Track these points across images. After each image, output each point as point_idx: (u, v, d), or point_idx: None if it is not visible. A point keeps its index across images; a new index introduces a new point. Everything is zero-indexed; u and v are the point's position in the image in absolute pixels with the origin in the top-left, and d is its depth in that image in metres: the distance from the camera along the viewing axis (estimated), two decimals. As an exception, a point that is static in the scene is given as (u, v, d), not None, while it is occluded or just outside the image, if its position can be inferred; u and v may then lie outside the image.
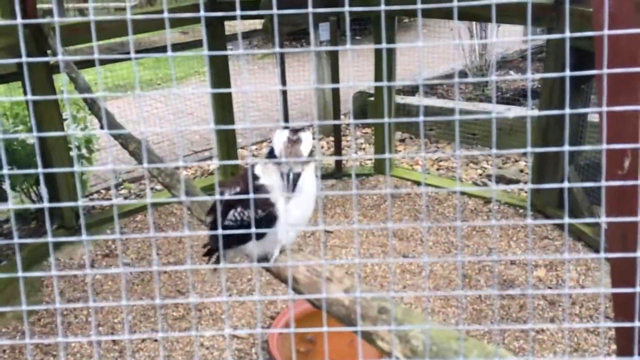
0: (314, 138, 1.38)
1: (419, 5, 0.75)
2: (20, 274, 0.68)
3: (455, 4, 0.74)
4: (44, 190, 2.72)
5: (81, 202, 0.71)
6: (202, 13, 0.82)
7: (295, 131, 1.38)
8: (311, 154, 1.37)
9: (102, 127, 2.59)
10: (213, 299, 1.92)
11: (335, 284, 0.97)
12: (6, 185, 3.17)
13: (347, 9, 0.93)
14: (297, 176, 1.31)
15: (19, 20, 0.81)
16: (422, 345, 0.75)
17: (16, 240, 0.71)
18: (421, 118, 1.01)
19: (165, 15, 0.78)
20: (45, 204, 0.72)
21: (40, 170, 0.74)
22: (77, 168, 0.69)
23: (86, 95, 2.56)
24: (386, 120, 0.86)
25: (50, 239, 0.73)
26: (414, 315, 0.84)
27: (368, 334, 0.86)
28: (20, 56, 3.19)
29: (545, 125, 3.46)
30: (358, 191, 0.95)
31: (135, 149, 2.20)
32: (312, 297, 1.01)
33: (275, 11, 0.94)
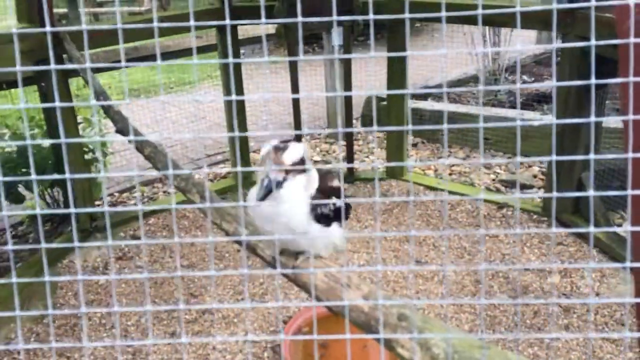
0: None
1: (444, 13, 0.75)
2: (47, 278, 0.69)
3: (480, 11, 0.74)
4: (70, 194, 2.76)
5: (107, 208, 0.71)
6: (227, 21, 0.83)
7: (284, 142, 1.35)
8: (302, 164, 1.32)
9: (117, 132, 2.61)
10: (235, 305, 1.93)
11: (354, 290, 0.97)
12: (34, 191, 3.21)
13: (371, 17, 0.93)
14: (273, 183, 1.26)
15: (48, 28, 0.83)
16: (443, 354, 0.75)
17: (43, 245, 0.71)
18: (445, 126, 1.00)
19: (192, 23, 0.78)
20: (72, 210, 0.73)
21: (68, 175, 0.76)
22: (103, 174, 0.70)
23: (116, 102, 2.58)
24: (410, 127, 0.86)
25: (76, 243, 0.74)
26: (434, 323, 0.84)
27: (388, 341, 0.86)
28: (37, 61, 3.21)
29: (561, 130, 3.43)
30: (381, 198, 0.95)
31: (150, 153, 2.22)
32: (332, 304, 1.01)
33: (300, 19, 0.94)
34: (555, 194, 0.76)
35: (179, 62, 5.84)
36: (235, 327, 3.17)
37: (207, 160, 5.32)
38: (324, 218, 1.32)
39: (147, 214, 4.16)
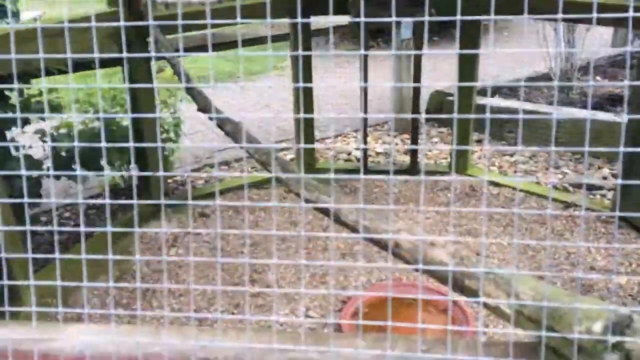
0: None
1: (566, 9, 0.79)
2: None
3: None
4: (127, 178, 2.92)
5: (219, 202, 0.79)
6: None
7: None
8: None
9: (198, 110, 2.76)
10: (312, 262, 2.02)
11: (439, 248, 1.03)
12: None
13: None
14: None
15: (151, 22, 0.92)
16: (531, 300, 0.80)
17: (166, 232, 0.80)
18: (553, 136, 1.04)
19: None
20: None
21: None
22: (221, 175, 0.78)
23: (202, 85, 2.73)
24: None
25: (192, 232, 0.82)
26: (521, 278, 0.89)
27: (474, 292, 0.92)
28: (122, 43, 3.35)
29: (637, 130, 3.34)
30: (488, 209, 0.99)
31: (231, 130, 2.34)
32: (415, 265, 1.07)
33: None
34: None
35: (232, 53, 5.96)
36: (296, 303, 3.27)
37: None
38: None
39: (214, 194, 4.32)
